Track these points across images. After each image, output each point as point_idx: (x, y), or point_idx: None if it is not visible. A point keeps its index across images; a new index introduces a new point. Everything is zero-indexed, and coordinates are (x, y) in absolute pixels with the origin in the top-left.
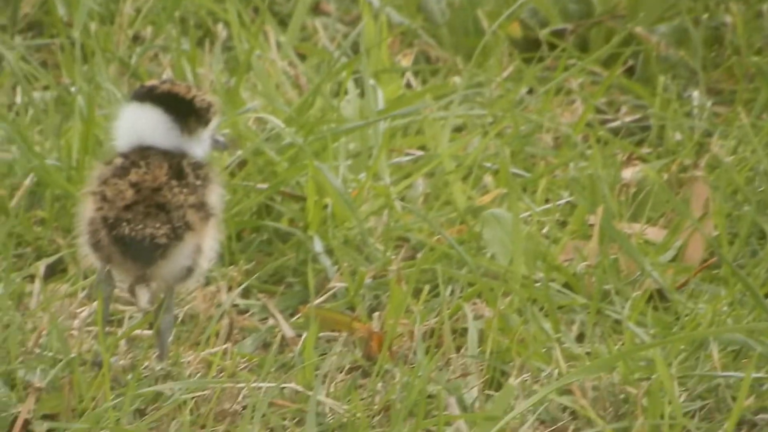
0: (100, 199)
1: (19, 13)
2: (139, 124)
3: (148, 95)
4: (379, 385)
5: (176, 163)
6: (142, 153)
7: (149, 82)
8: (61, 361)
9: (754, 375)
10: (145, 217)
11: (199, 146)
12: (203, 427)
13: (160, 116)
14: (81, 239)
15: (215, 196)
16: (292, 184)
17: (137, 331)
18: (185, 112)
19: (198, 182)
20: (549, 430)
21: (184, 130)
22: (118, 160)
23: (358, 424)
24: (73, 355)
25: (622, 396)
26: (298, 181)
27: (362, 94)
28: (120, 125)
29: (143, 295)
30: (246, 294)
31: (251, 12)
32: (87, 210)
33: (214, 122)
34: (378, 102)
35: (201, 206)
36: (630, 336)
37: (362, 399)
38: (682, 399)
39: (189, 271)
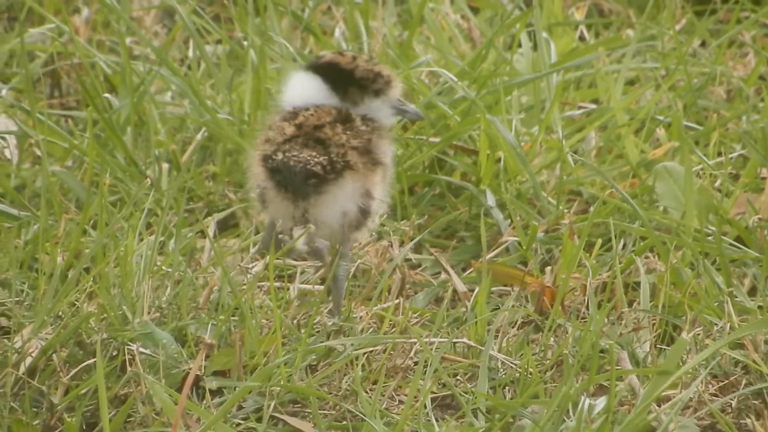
0: (264, 141)
1: None
2: (303, 91)
3: (312, 65)
4: (552, 339)
5: (345, 111)
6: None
7: (323, 53)
8: (232, 316)
9: None
10: (302, 147)
11: (376, 115)
12: (375, 382)
13: (320, 85)
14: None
15: (385, 148)
16: (464, 138)
17: (309, 286)
18: (345, 81)
19: (364, 128)
20: (721, 384)
21: (345, 99)
22: (290, 108)
23: (531, 379)
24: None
25: None
26: (471, 135)
27: (535, 48)
28: (288, 90)
29: (299, 235)
30: (418, 248)
31: None
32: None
33: (392, 93)
34: (551, 55)
35: (366, 151)
36: None
37: (534, 354)
38: None
39: (359, 217)
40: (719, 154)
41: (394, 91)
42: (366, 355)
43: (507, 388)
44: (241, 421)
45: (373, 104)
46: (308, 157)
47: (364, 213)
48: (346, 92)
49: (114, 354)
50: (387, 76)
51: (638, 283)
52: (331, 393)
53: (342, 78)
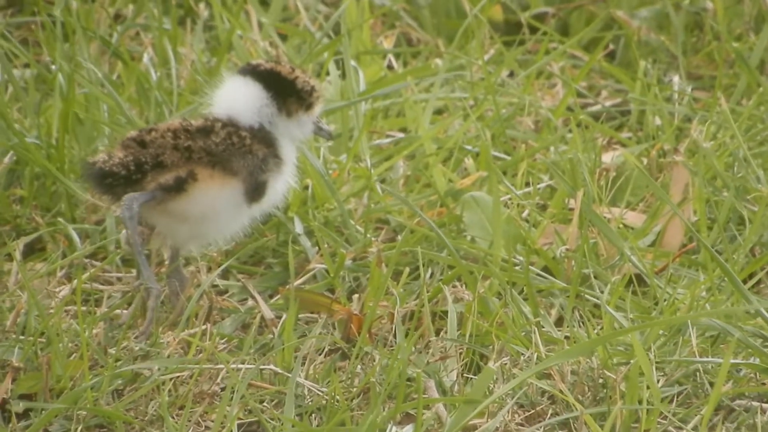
0: None
1: None
2: (233, 97)
3: (250, 71)
4: (359, 367)
5: (210, 125)
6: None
7: (255, 61)
8: (40, 339)
9: (732, 360)
10: (121, 148)
11: (299, 129)
12: (181, 408)
13: (260, 92)
14: None
15: (246, 162)
16: None
17: (116, 311)
18: (286, 91)
19: (217, 140)
20: (527, 414)
21: (282, 109)
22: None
23: (337, 407)
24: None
25: (600, 380)
26: None
27: (343, 76)
28: (218, 95)
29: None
30: (225, 275)
31: None
32: None
33: (318, 108)
34: (359, 83)
35: (204, 156)
36: (609, 320)
37: (341, 381)
38: (660, 384)
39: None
40: (527, 185)
41: (318, 107)
42: (173, 381)
43: (314, 415)
44: None
45: (302, 118)
46: (109, 157)
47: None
48: (284, 102)
49: None
50: (319, 90)
51: (446, 312)
52: (137, 418)
53: (284, 87)
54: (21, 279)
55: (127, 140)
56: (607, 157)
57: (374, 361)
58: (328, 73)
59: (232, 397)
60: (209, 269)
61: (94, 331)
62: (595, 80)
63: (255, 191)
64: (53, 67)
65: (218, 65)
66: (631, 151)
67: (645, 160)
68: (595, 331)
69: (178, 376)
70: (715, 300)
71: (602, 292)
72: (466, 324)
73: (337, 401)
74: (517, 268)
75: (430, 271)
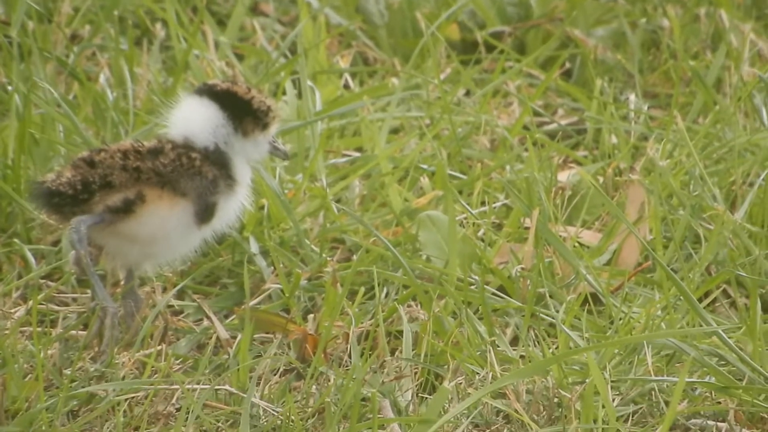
0: None
1: None
2: (189, 118)
3: (207, 91)
4: (314, 387)
5: (160, 146)
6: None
7: (211, 81)
8: None
9: (688, 379)
10: (71, 168)
11: (255, 149)
12: (137, 428)
13: (216, 112)
14: None
15: (195, 183)
16: None
17: (72, 332)
18: (243, 111)
19: (166, 161)
20: None
21: (238, 129)
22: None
23: (292, 427)
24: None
25: (555, 400)
26: None
27: (300, 95)
28: (174, 115)
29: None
30: (181, 295)
31: (190, 11)
32: None
33: (274, 128)
34: (316, 103)
35: (153, 177)
36: (564, 340)
37: (296, 401)
38: (615, 403)
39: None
40: (483, 204)
41: (274, 127)
42: (128, 401)
43: None
44: None
45: (258, 138)
46: (57, 177)
47: (138, 240)
48: (241, 122)
49: None
50: (275, 110)
51: (401, 332)
52: None
53: (240, 107)
54: None
55: (77, 160)
56: (563, 176)
57: (329, 381)
58: (284, 93)
59: (187, 418)
60: (164, 289)
61: (50, 352)
62: (551, 99)
63: (205, 212)
64: (9, 87)
65: (175, 85)
66: (587, 170)
67: (601, 179)
68: (551, 351)
69: (134, 397)
70: (671, 319)
71: (557, 311)
72: (422, 344)
73: (292, 421)
74: (472, 287)
75: (385, 290)
